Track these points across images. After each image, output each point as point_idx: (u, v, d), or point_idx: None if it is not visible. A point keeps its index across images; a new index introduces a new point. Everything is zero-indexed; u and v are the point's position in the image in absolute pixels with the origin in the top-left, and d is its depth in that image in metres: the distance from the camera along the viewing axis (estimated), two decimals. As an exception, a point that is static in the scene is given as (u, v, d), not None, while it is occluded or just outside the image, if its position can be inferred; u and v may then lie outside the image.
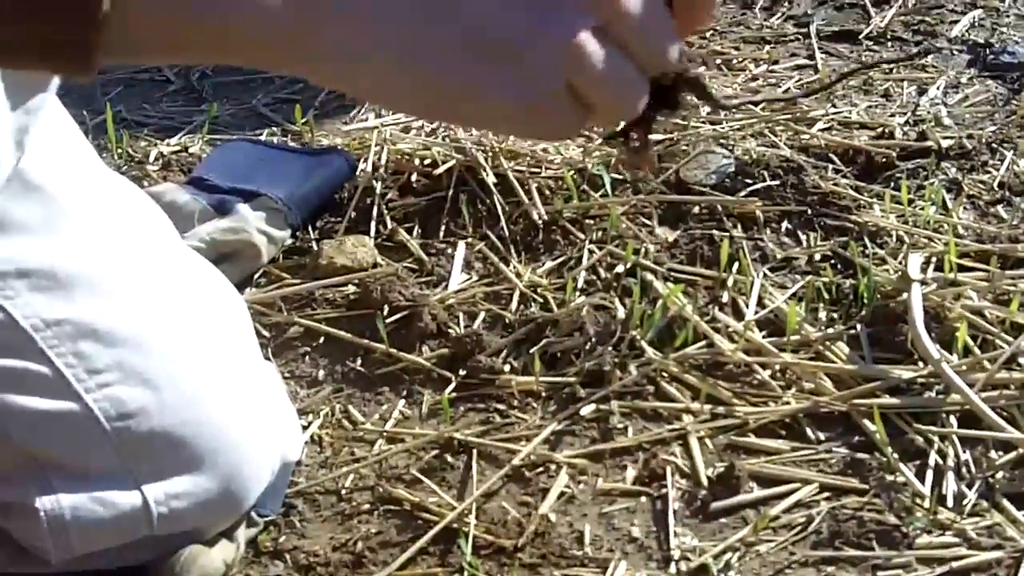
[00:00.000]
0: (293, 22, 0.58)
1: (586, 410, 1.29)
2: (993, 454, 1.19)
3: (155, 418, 1.05)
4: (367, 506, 1.22)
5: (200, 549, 1.11)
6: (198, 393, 1.09)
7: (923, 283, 1.37)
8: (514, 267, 1.52)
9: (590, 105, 0.62)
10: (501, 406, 1.32)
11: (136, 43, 0.57)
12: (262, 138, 1.89)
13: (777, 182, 1.63)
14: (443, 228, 1.61)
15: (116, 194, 1.16)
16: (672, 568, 1.10)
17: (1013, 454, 1.18)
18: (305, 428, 1.33)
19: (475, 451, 1.27)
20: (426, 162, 1.72)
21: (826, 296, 1.42)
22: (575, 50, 0.59)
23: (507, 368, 1.36)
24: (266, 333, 1.45)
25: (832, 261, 1.49)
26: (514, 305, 1.46)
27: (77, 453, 1.04)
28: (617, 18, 0.60)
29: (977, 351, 1.29)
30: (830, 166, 1.68)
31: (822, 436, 1.24)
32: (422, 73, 0.60)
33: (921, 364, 1.29)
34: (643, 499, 1.19)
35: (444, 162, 1.68)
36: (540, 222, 1.58)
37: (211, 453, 1.08)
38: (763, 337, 1.36)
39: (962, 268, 1.43)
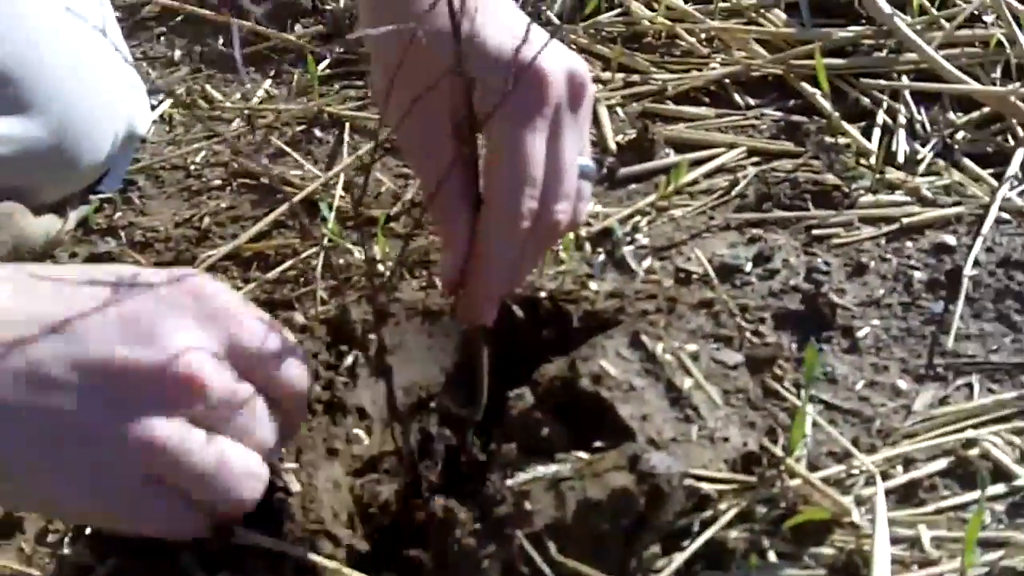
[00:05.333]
0: None
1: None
2: (952, 115, 1.01)
3: None
4: (219, 182, 1.04)
5: (16, 206, 0.94)
6: (34, 33, 0.96)
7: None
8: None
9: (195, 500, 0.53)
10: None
11: None
12: None
13: None
14: None
15: None
16: (570, 235, 0.92)
17: (976, 113, 1.00)
18: (155, 108, 1.13)
19: (347, 125, 1.08)
20: None
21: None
22: (155, 445, 0.51)
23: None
24: (118, 14, 1.24)
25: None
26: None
27: None
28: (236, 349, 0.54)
29: (933, 11, 1.11)
30: None
31: (752, 102, 1.07)
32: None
33: (869, 26, 1.11)
34: (542, 169, 1.01)
35: None
36: None
37: (42, 98, 0.95)
38: (687, 3, 1.17)
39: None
